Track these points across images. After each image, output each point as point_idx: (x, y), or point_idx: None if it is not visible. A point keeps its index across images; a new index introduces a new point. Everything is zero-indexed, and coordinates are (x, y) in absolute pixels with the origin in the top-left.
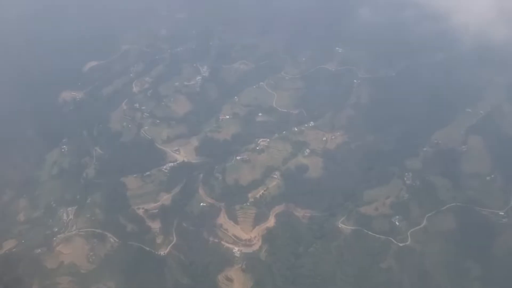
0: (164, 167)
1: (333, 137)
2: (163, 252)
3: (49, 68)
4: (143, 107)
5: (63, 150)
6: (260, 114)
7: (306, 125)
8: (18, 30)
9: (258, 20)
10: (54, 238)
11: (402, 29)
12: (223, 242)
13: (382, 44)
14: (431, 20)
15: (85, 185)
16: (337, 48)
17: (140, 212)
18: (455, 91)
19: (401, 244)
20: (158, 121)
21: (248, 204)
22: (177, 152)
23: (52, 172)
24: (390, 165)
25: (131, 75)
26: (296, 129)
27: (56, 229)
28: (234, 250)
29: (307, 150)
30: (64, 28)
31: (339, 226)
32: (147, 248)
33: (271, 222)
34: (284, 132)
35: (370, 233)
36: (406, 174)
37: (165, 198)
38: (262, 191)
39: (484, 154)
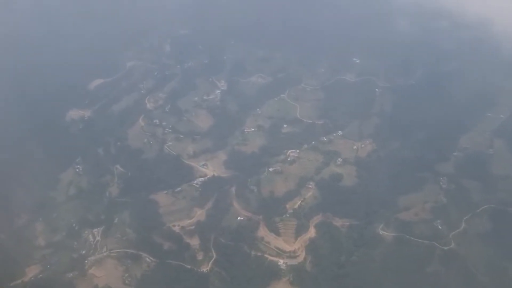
0: (195, 182)
1: (362, 145)
2: (205, 269)
3: (53, 87)
4: (164, 123)
5: (77, 169)
6: (285, 125)
7: (334, 134)
8: (17, 49)
9: (270, 34)
10: (86, 261)
11: (415, 38)
12: (266, 255)
13: (397, 54)
14: (445, 29)
15: (109, 204)
16: (354, 59)
17: (176, 229)
18: (474, 97)
19: (445, 248)
20: (181, 136)
21: (288, 215)
22: (205, 167)
23: (69, 192)
24: (420, 171)
25: (142, 91)
26: (325, 139)
27: (83, 252)
28: (279, 263)
29: (339, 159)
30: (65, 47)
31: (380, 233)
32: (188, 266)
33: (311, 232)
34: (313, 142)
35: (413, 238)
36: (441, 178)
37: (199, 214)
38: (300, 201)
39: (511, 157)
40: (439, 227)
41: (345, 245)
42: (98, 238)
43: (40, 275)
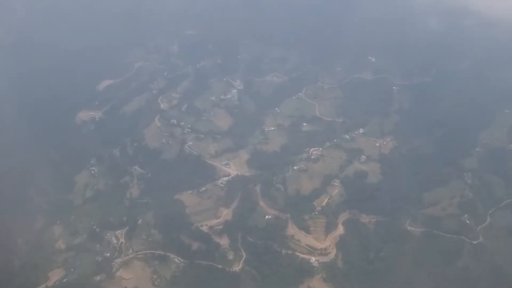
0: (219, 181)
1: (384, 142)
2: (236, 268)
3: (60, 88)
4: (182, 123)
5: (92, 171)
6: (304, 124)
7: (356, 132)
8: (22, 50)
9: (283, 33)
10: (113, 264)
11: (432, 36)
12: (297, 253)
13: (412, 52)
14: (464, 27)
15: (130, 206)
16: (369, 58)
17: (205, 229)
18: (490, 93)
19: (474, 242)
20: (202, 136)
21: (316, 213)
22: (228, 166)
23: (86, 195)
24: (443, 166)
25: (154, 91)
26: (347, 137)
27: (108, 254)
28: (311, 260)
29: (363, 157)
30: (70, 47)
31: (408, 229)
32: (219, 266)
33: (340, 229)
34: (335, 140)
35: (441, 233)
36: (466, 174)
37: (226, 213)
38: (327, 199)
39: None
40: (467, 221)
41: (374, 242)
42: (122, 240)
43: (65, 279)
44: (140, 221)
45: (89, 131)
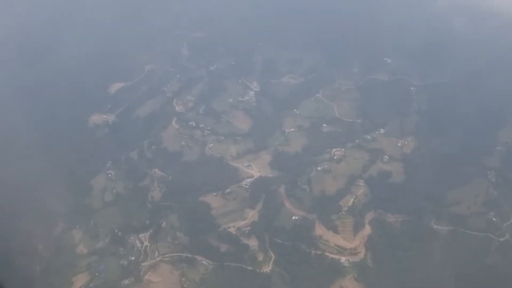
0: (243, 183)
1: (405, 142)
2: (266, 269)
3: (71, 92)
4: (201, 125)
5: (109, 175)
6: (324, 125)
7: (377, 132)
8: (29, 54)
9: (297, 35)
10: (140, 267)
11: (446, 36)
12: (326, 253)
13: (428, 53)
14: (485, 28)
15: (152, 209)
16: (385, 59)
17: (232, 230)
18: (509, 93)
19: (501, 239)
20: (222, 137)
21: (344, 213)
22: (250, 168)
23: (105, 198)
24: (465, 165)
25: (168, 94)
26: (368, 137)
27: (133, 258)
28: (341, 260)
29: (386, 157)
30: (78, 51)
31: (434, 227)
32: (249, 267)
33: (367, 229)
34: (356, 140)
35: (468, 231)
36: (489, 172)
37: (252, 215)
38: (352, 199)
39: None
40: (493, 219)
41: (401, 241)
42: (146, 243)
43: (91, 284)
44: (164, 224)
45: (103, 134)
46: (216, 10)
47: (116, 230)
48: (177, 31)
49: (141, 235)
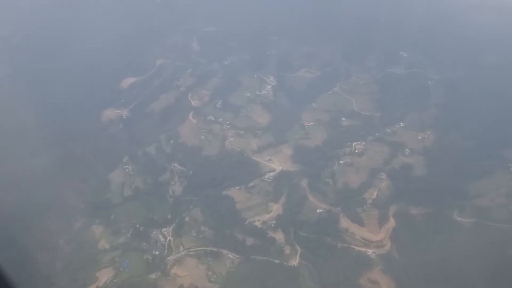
0: (266, 177)
1: (425, 136)
2: (293, 262)
3: (83, 87)
4: (220, 119)
5: (127, 169)
6: (343, 118)
7: (396, 126)
8: (40, 49)
9: (311, 29)
10: (166, 261)
11: (463, 31)
12: (353, 246)
13: (443, 47)
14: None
15: (174, 203)
16: (401, 53)
17: (258, 224)
18: None
19: None
20: (242, 132)
21: (368, 205)
22: (271, 162)
23: (124, 193)
24: (486, 158)
25: (182, 89)
26: (388, 130)
27: (157, 252)
28: (368, 253)
29: (407, 150)
30: (88, 45)
31: (457, 219)
32: (276, 261)
33: (392, 221)
34: (376, 134)
35: (491, 223)
36: (510, 164)
37: (276, 208)
38: (376, 192)
39: None
40: None
41: (424, 233)
42: (169, 237)
43: (115, 279)
44: (187, 218)
45: (117, 129)
46: (225, 4)
47: (137, 225)
48: (185, 25)
49: (163, 230)
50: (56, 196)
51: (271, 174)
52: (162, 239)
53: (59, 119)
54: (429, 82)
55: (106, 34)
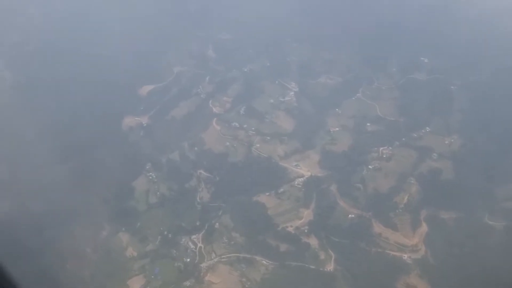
0: (296, 182)
1: (452, 140)
2: (329, 268)
3: (101, 94)
4: (245, 125)
5: (150, 177)
6: (368, 124)
7: (423, 130)
8: (57, 57)
9: (331, 35)
10: (199, 268)
11: (478, 35)
12: (387, 251)
13: (464, 52)
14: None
15: (202, 210)
16: (422, 58)
17: (291, 230)
18: None
19: None
20: (268, 138)
21: (400, 210)
22: (298, 167)
23: (149, 201)
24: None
25: (202, 96)
26: (415, 135)
27: (188, 260)
28: (404, 257)
29: (435, 154)
30: (104, 53)
31: (489, 223)
32: (312, 266)
33: (424, 226)
34: (403, 139)
35: None
36: None
37: (307, 214)
38: (406, 196)
39: None
40: None
41: (457, 237)
42: (200, 244)
43: (147, 287)
44: (217, 225)
45: (138, 137)
46: (238, 12)
47: (165, 232)
48: (200, 32)
49: (193, 237)
50: (81, 203)
51: (300, 179)
52: (192, 246)
53: (78, 127)
54: (452, 87)
55: (120, 41)
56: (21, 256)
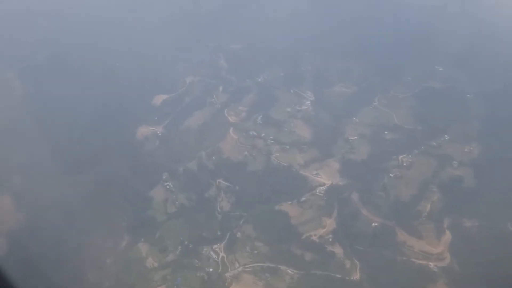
0: (317, 191)
1: (471, 148)
2: (355, 277)
3: (114, 104)
4: (263, 134)
5: (167, 186)
6: (386, 132)
7: (441, 138)
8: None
9: (344, 45)
10: (223, 278)
11: (492, 43)
12: (413, 259)
13: (478, 60)
14: None
15: (223, 219)
16: (436, 67)
17: (315, 238)
18: None
19: None
20: (287, 147)
21: (424, 218)
22: (318, 176)
23: (168, 210)
24: None
25: (217, 106)
26: (434, 143)
27: (211, 269)
28: (430, 266)
29: (455, 162)
30: (115, 63)
31: None
32: (338, 275)
33: (448, 234)
34: (422, 147)
35: None
36: None
37: (330, 222)
38: (429, 204)
39: None
40: None
41: (481, 245)
42: (222, 254)
43: None
44: (239, 234)
45: (154, 146)
46: (247, 21)
47: (185, 242)
48: (210, 42)
49: (215, 246)
50: (98, 214)
51: (322, 188)
52: (214, 255)
53: (92, 137)
54: (468, 95)
55: (131, 52)
56: (40, 268)
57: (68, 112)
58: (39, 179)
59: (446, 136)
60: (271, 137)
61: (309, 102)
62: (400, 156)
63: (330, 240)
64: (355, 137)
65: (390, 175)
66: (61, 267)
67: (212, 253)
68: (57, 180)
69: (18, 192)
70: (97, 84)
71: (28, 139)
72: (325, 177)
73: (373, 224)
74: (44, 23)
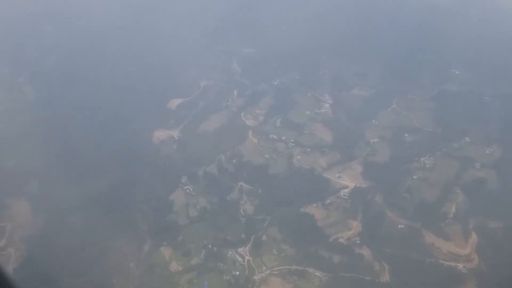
0: (342, 193)
1: (493, 150)
2: (385, 279)
3: (130, 108)
4: (283, 137)
5: (187, 190)
6: (406, 134)
7: (462, 140)
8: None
9: (361, 49)
10: (251, 280)
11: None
12: (441, 261)
13: (495, 63)
14: None
15: (247, 222)
16: (453, 70)
17: (343, 241)
18: None
19: None
20: (308, 149)
21: (450, 220)
22: (341, 178)
23: (190, 214)
24: None
25: (234, 109)
26: (455, 145)
27: (237, 273)
28: (458, 267)
29: (477, 164)
30: (131, 67)
31: None
32: (367, 278)
33: (474, 235)
34: (444, 149)
35: None
36: None
37: (356, 225)
38: (454, 206)
39: None
40: None
41: (507, 246)
42: (248, 257)
43: None
44: (264, 237)
45: (171, 150)
46: (258, 26)
47: (209, 246)
48: (221, 47)
49: (239, 249)
50: (120, 218)
51: (346, 190)
52: (239, 259)
53: (108, 141)
54: (486, 98)
55: (144, 56)
56: (63, 275)
57: (82, 117)
58: (57, 184)
59: (466, 138)
60: (292, 140)
61: (327, 105)
62: (422, 158)
63: (358, 242)
64: (376, 140)
65: (414, 177)
66: (84, 272)
67: (237, 256)
68: (75, 185)
69: (36, 198)
70: (109, 89)
71: (44, 144)
72: (348, 180)
73: (399, 226)
74: (50, 27)
